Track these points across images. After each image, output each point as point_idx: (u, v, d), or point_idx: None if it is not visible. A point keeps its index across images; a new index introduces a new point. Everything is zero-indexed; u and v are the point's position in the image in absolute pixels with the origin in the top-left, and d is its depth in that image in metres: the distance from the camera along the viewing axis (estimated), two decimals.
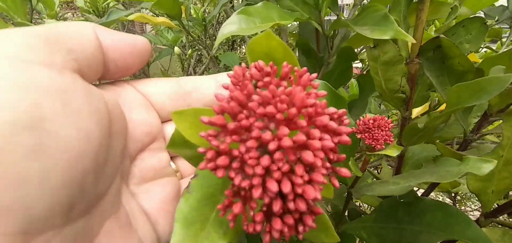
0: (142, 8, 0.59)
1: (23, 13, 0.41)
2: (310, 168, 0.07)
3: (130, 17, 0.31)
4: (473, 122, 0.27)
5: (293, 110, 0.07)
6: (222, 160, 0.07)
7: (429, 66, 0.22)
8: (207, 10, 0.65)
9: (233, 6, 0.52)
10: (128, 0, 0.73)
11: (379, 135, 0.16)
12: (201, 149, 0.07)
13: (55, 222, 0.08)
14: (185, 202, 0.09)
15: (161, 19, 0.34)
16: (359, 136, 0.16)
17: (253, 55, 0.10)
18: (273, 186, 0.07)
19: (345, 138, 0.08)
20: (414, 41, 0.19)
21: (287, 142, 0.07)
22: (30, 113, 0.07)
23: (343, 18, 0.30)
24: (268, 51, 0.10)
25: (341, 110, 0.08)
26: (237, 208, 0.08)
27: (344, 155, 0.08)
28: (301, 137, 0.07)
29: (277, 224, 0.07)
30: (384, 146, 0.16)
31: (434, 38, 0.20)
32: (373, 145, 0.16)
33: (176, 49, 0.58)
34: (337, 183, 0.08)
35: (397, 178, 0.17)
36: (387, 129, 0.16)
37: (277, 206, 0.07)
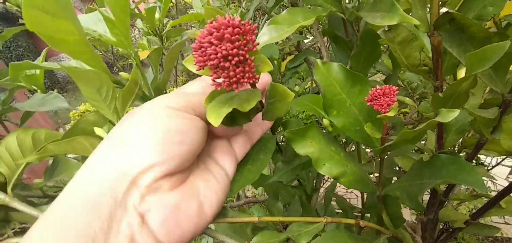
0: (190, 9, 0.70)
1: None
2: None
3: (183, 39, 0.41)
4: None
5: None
6: (202, 60, 0.16)
7: (448, 37, 0.25)
8: (244, 9, 0.72)
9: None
10: (177, 14, 0.87)
11: (384, 101, 0.20)
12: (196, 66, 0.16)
13: (179, 170, 0.17)
14: (209, 101, 0.18)
15: None
16: (368, 104, 0.21)
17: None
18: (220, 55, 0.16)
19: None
20: (417, 23, 0.22)
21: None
22: (178, 126, 0.17)
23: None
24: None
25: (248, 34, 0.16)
26: (219, 84, 0.16)
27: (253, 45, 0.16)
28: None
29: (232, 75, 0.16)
30: (388, 110, 0.21)
31: (445, 13, 0.23)
32: (379, 110, 0.21)
33: None
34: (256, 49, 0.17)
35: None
36: (391, 95, 0.20)
37: (226, 64, 0.16)
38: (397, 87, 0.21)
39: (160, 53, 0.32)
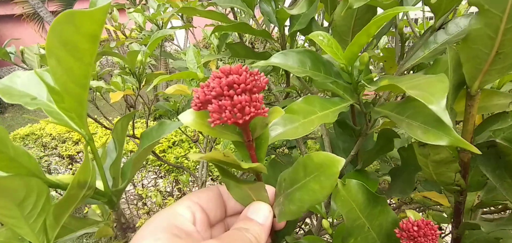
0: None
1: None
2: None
3: (168, 91, 0.38)
4: None
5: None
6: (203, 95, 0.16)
7: (483, 160, 0.23)
8: None
9: None
10: (160, 55, 0.83)
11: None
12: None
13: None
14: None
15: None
16: None
17: None
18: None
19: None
20: (476, 150, 0.18)
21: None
22: None
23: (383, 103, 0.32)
24: None
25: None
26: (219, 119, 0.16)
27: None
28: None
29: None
30: None
31: (489, 139, 0.21)
32: None
33: None
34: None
35: None
36: (433, 236, 0.17)
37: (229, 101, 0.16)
38: (437, 226, 0.18)
39: (129, 121, 0.27)
